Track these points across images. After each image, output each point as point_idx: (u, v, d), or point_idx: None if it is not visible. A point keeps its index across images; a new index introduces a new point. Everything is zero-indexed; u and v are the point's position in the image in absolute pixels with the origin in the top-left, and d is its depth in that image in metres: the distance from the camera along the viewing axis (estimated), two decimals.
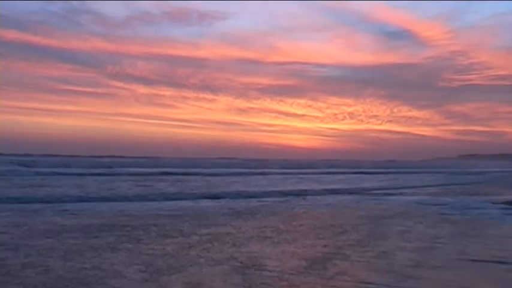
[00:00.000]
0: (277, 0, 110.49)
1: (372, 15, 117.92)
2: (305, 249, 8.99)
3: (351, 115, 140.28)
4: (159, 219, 12.90)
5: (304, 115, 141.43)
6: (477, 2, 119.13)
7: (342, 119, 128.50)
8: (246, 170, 45.46)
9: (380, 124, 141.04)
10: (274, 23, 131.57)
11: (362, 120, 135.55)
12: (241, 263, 7.72)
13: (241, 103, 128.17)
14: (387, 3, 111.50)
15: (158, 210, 14.90)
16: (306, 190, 24.18)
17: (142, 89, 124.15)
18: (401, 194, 23.86)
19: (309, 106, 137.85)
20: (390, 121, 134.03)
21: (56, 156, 58.23)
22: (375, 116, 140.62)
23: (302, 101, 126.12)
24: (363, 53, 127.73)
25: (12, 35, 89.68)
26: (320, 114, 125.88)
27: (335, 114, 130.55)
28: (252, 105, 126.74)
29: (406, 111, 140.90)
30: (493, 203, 18.59)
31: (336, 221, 13.21)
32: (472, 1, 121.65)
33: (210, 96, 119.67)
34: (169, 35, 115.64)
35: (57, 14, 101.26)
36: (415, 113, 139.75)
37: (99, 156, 66.43)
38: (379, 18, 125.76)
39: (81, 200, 17.34)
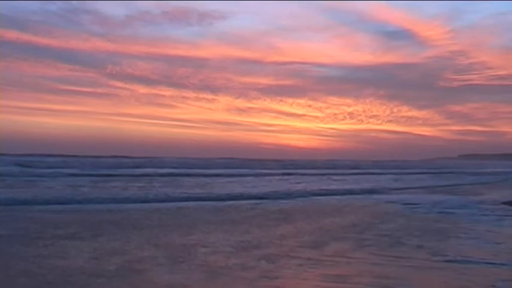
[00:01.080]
0: (277, 0, 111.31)
1: (371, 15, 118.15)
2: (242, 238, 10.04)
3: (351, 115, 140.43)
4: (134, 216, 13.61)
5: (304, 115, 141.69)
6: (477, 2, 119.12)
7: (342, 119, 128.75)
8: (245, 171, 45.68)
9: (380, 124, 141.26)
10: (274, 23, 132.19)
11: (362, 120, 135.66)
12: (178, 247, 8.79)
13: (241, 103, 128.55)
14: (387, 3, 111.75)
15: (141, 209, 15.42)
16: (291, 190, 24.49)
17: (142, 89, 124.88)
18: (386, 193, 24.11)
19: (309, 106, 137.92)
20: (390, 121, 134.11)
21: (55, 156, 59.38)
22: (374, 116, 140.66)
23: (302, 101, 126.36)
24: (362, 52, 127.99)
25: (12, 35, 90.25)
26: (320, 114, 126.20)
27: (335, 114, 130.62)
28: (252, 105, 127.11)
29: (406, 111, 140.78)
30: (477, 202, 18.83)
31: (293, 217, 14.11)
32: (472, 1, 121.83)
33: (210, 96, 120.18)
34: (169, 35, 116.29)
35: (57, 14, 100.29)
36: (415, 113, 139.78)
37: (99, 157, 67.40)
38: (379, 18, 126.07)
39: (65, 201, 17.29)
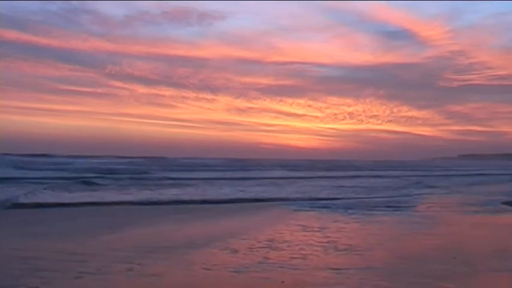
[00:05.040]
0: (277, 0, 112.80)
1: (371, 15, 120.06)
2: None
3: (351, 115, 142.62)
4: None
5: (304, 115, 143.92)
6: (477, 2, 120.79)
7: (342, 119, 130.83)
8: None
9: (380, 124, 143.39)
10: (274, 23, 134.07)
11: (362, 120, 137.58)
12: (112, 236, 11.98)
13: (241, 103, 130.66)
14: (387, 3, 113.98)
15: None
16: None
17: (142, 89, 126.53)
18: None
19: (309, 106, 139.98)
20: (390, 121, 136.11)
21: (55, 156, 62.09)
22: (375, 116, 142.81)
23: (302, 101, 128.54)
24: (362, 52, 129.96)
25: (12, 35, 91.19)
26: (320, 114, 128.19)
27: (335, 114, 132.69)
28: (252, 105, 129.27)
29: (406, 111, 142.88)
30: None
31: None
32: (472, 1, 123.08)
33: (210, 96, 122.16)
34: (169, 35, 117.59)
35: (57, 14, 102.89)
36: (415, 113, 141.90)
37: (99, 156, 69.90)
38: (379, 18, 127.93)
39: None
